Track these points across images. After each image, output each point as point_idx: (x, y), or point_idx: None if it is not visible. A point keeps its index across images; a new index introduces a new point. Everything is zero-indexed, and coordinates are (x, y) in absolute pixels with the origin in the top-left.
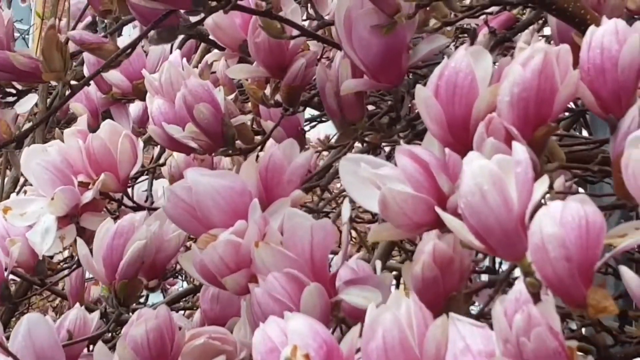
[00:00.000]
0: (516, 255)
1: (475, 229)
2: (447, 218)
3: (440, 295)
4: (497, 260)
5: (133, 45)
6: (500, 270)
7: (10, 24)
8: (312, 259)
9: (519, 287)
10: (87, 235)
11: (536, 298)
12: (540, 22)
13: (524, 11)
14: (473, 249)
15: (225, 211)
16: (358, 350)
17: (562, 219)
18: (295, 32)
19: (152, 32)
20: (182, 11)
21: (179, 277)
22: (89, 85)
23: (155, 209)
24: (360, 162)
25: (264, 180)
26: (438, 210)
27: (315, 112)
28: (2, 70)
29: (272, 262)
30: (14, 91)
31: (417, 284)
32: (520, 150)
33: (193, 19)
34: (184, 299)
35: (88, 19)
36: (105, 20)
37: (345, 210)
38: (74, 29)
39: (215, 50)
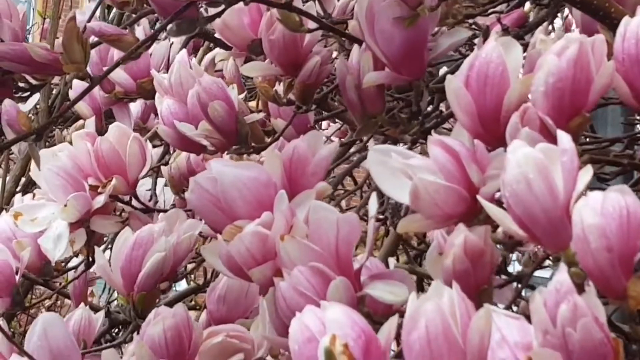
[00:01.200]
0: (561, 245)
1: (519, 217)
2: (489, 207)
3: (472, 288)
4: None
5: (153, 37)
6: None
7: (25, 17)
8: (337, 252)
9: (560, 277)
10: (96, 238)
11: (580, 289)
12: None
13: (533, 9)
14: (498, 242)
15: (251, 202)
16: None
17: (603, 209)
18: (312, 26)
19: (171, 24)
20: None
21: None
22: (104, 77)
23: (160, 210)
24: (390, 153)
25: (288, 172)
26: (479, 199)
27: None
28: (19, 62)
29: (297, 255)
30: (26, 86)
31: (448, 277)
32: (566, 138)
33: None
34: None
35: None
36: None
37: (372, 205)
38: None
39: (218, 49)
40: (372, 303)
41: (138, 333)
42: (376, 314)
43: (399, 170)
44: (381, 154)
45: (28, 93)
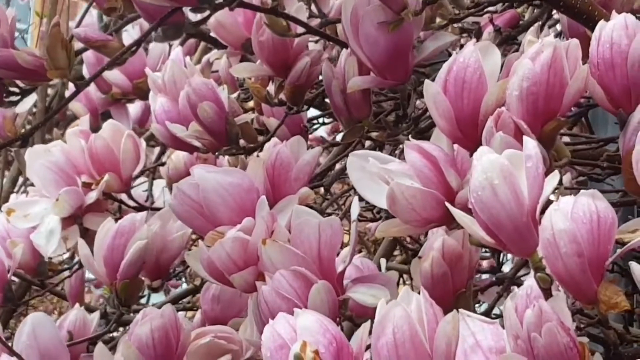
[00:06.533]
0: (527, 251)
1: (485, 224)
2: (457, 213)
3: (450, 292)
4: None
5: (138, 43)
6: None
7: (13, 23)
8: (319, 256)
9: (530, 282)
10: (90, 236)
11: (547, 293)
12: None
13: (527, 9)
14: (483, 245)
15: (233, 208)
16: (368, 347)
17: (573, 214)
18: (300, 30)
19: (157, 30)
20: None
21: (183, 278)
22: (88, 84)
23: (156, 209)
24: (368, 158)
25: (270, 178)
26: (448, 205)
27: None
28: (7, 68)
29: (279, 259)
30: (17, 90)
31: (427, 281)
32: (531, 144)
33: (194, 16)
34: (183, 300)
35: None
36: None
37: (354, 207)
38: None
39: (215, 50)
40: (360, 306)
41: (122, 322)
42: (364, 316)
43: (377, 175)
44: (360, 159)
45: (19, 97)
